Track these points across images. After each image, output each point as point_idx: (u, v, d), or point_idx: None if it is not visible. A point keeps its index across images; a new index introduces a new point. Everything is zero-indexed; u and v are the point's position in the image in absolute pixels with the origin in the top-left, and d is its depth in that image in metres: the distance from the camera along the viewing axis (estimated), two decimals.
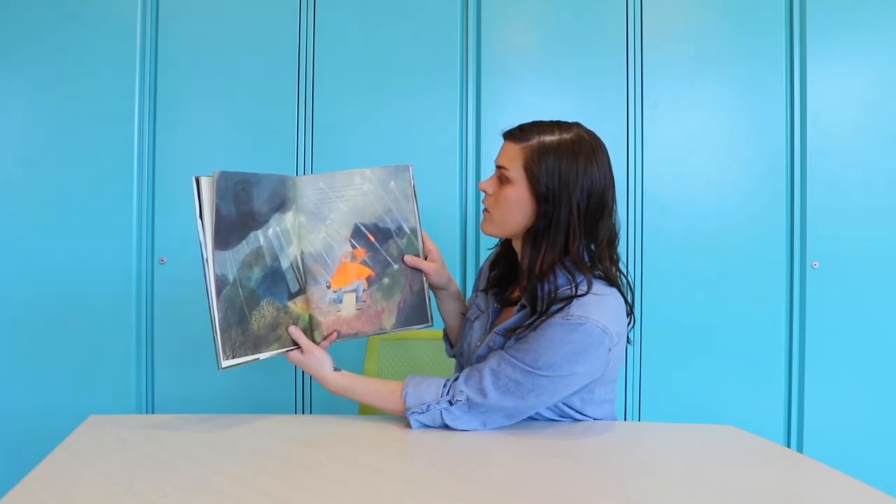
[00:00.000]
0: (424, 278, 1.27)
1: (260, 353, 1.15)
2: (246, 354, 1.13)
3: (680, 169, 2.03)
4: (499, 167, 1.19)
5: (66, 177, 1.99)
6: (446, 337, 1.44)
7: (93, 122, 1.99)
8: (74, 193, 1.99)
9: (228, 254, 1.11)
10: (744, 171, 2.04)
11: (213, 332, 1.09)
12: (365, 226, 1.23)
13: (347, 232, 1.22)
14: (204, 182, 1.09)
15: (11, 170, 2.00)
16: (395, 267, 1.25)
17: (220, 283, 1.10)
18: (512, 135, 1.19)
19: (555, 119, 1.20)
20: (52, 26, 1.99)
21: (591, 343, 1.09)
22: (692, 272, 2.02)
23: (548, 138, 1.15)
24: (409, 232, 1.25)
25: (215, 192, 1.09)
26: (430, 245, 1.28)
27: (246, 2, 2.03)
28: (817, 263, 2.01)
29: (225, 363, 1.10)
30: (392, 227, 1.24)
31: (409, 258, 1.25)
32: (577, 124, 1.19)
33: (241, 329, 1.12)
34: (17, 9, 1.98)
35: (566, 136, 1.15)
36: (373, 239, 1.23)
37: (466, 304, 1.39)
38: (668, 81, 2.03)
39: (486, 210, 1.22)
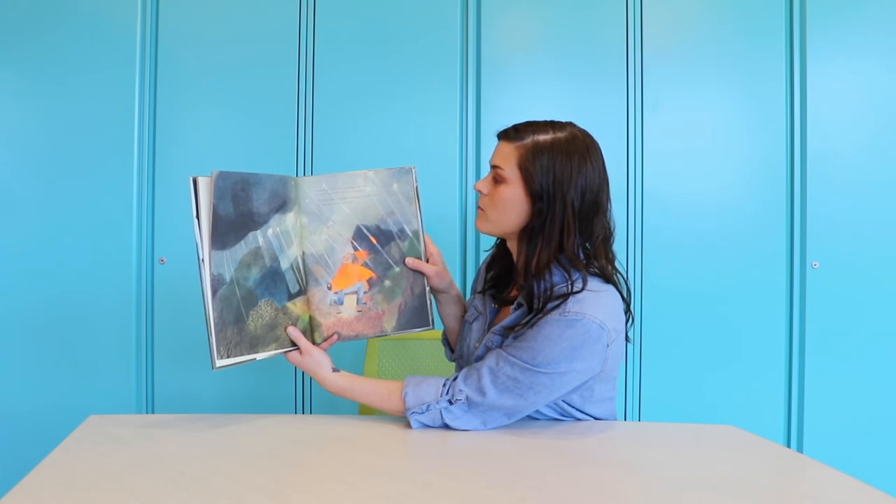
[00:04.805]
0: (426, 281, 1.27)
1: (257, 353, 1.15)
2: (241, 354, 1.13)
3: (680, 169, 2.03)
4: (493, 167, 1.19)
5: (66, 177, 1.99)
6: (446, 341, 1.43)
7: (93, 122, 1.99)
8: (74, 193, 1.99)
9: (226, 253, 1.11)
10: (744, 171, 2.04)
11: (208, 331, 1.09)
12: (367, 227, 1.23)
13: (349, 233, 1.22)
14: (201, 182, 1.08)
15: (11, 170, 2.00)
16: (397, 269, 1.25)
17: (217, 282, 1.09)
18: (506, 134, 1.19)
19: (549, 119, 1.20)
20: (51, 26, 1.99)
21: (589, 339, 1.09)
22: (692, 272, 2.02)
23: (542, 137, 1.15)
24: (411, 234, 1.25)
25: (213, 191, 1.08)
26: (432, 248, 1.28)
27: (246, 2, 2.03)
28: (817, 263, 2.01)
29: (219, 363, 1.10)
30: (394, 229, 1.24)
31: (410, 261, 1.25)
32: (570, 123, 1.19)
33: (237, 329, 1.12)
34: (18, 8, 1.98)
35: (560, 135, 1.16)
36: (375, 241, 1.23)
37: (466, 306, 1.39)
38: (668, 81, 2.03)
39: (480, 208, 1.22)
